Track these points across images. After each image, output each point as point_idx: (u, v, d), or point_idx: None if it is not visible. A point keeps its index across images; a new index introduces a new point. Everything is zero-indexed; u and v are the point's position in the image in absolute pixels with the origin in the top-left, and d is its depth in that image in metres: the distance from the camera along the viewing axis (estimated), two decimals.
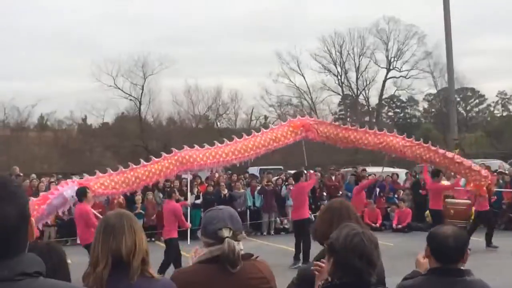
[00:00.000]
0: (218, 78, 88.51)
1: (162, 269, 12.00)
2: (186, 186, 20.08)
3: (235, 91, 52.91)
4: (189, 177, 17.10)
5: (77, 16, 66.86)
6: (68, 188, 11.85)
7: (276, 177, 22.66)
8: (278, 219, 20.85)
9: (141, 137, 46.14)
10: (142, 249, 2.99)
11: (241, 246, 3.29)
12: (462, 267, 3.57)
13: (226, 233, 3.24)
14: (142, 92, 48.81)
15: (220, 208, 3.44)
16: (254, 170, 30.30)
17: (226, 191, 20.14)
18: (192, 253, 3.50)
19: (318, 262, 3.43)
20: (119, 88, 48.56)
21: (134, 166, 12.71)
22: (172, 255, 12.49)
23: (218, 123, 52.26)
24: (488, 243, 15.18)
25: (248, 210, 20.60)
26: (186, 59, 69.55)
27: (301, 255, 13.53)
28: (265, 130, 14.06)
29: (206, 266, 3.25)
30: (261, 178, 23.11)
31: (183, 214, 13.17)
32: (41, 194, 12.10)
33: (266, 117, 54.80)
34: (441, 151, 14.47)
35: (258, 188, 21.00)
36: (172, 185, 20.36)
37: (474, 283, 3.52)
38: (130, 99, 49.47)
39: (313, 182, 15.50)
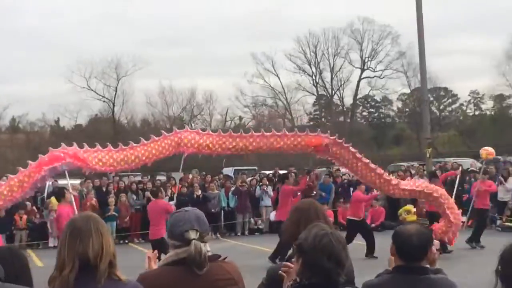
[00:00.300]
0: (193, 79, 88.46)
1: None
2: (160, 187, 19.96)
3: (210, 92, 52.97)
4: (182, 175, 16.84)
5: (53, 17, 66.33)
6: (61, 163, 11.43)
7: (250, 178, 22.63)
8: (252, 219, 20.84)
9: (115, 139, 45.60)
10: (109, 252, 2.96)
11: (208, 248, 3.27)
12: (427, 265, 3.59)
13: (192, 235, 3.22)
14: (115, 93, 48.68)
15: (186, 210, 3.42)
16: (228, 170, 30.33)
17: (199, 192, 20.06)
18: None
19: (287, 263, 3.42)
20: (92, 90, 48.32)
21: (134, 145, 12.28)
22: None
23: (193, 124, 52.21)
24: (476, 240, 15.28)
25: (222, 211, 20.55)
26: (160, 60, 69.40)
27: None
28: (275, 133, 12.87)
29: (173, 268, 3.23)
30: (236, 179, 23.08)
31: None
32: (39, 158, 11.59)
33: (241, 118, 54.95)
34: (438, 194, 13.87)
35: (233, 189, 20.96)
36: (145, 187, 20.28)
37: (439, 281, 3.53)
38: (104, 101, 49.29)
39: (299, 188, 15.50)
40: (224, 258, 3.37)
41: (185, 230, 3.23)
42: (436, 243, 3.89)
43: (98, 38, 68.34)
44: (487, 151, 16.24)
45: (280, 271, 3.42)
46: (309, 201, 4.29)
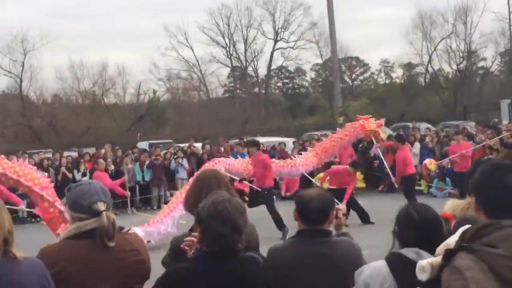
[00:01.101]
0: (104, 53, 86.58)
1: None
2: (72, 163, 19.59)
3: (122, 66, 51.90)
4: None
5: None
6: None
7: (165, 151, 22.48)
8: (167, 192, 20.71)
9: (24, 116, 44.48)
10: (4, 229, 2.88)
11: None
12: (331, 229, 3.67)
13: (102, 206, 3.19)
14: (22, 68, 46.99)
15: (89, 182, 3.37)
16: (143, 144, 30.03)
17: (112, 167, 19.72)
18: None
19: (189, 237, 3.42)
20: None
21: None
22: None
23: (105, 99, 51.21)
24: None
25: (137, 185, 20.32)
26: (69, 34, 67.37)
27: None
28: None
29: (76, 241, 3.17)
30: (150, 152, 22.87)
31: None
32: None
33: (155, 91, 54.19)
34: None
35: (147, 162, 20.75)
36: (59, 163, 19.80)
37: (340, 243, 3.62)
38: (10, 76, 47.55)
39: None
40: (128, 230, 3.35)
41: (93, 202, 3.18)
42: (342, 207, 3.98)
43: (2, 11, 65.62)
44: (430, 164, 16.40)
45: (182, 245, 3.42)
46: (211, 170, 4.31)
